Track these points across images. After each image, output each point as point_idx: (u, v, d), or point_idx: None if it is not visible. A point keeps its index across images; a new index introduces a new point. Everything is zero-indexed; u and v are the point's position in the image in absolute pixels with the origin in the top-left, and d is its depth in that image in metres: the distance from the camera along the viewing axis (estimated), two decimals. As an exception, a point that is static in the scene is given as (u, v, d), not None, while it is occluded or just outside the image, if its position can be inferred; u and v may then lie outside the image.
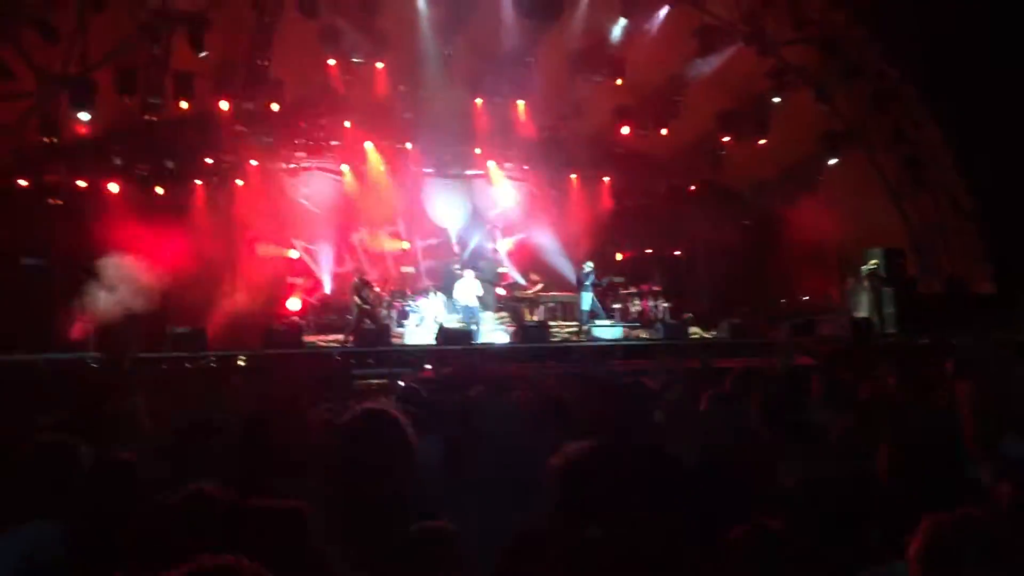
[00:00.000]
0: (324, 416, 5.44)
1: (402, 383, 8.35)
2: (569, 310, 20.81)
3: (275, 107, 18.35)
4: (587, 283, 18.87)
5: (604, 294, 19.85)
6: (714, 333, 19.00)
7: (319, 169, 21.02)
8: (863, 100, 19.31)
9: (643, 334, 19.13)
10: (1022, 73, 15.73)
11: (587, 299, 18.93)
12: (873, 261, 19.12)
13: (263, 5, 16.60)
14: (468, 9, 17.34)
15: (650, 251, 22.57)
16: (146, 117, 17.05)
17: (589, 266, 19.05)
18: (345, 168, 21.09)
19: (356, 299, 17.73)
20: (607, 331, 18.70)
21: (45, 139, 16.47)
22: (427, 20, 17.52)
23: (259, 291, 18.71)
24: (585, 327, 18.81)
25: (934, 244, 20.66)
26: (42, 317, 15.54)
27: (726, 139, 20.41)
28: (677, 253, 23.02)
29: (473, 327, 17.68)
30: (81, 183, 18.59)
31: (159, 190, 19.04)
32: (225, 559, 1.90)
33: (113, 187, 18.61)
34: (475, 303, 18.68)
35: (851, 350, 14.14)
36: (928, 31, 16.59)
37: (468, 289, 18.79)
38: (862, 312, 18.86)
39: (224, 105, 17.86)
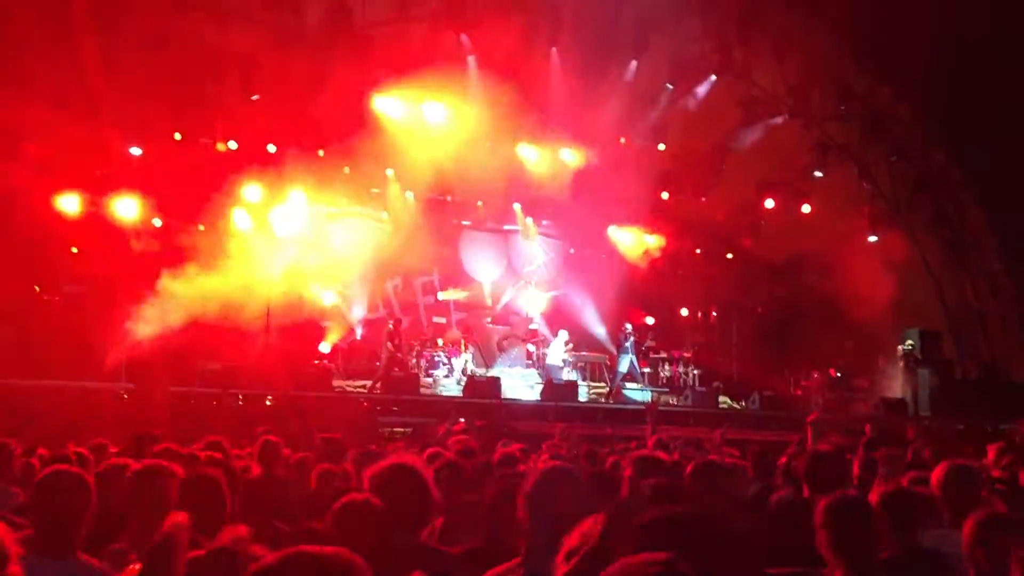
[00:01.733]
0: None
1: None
2: (597, 370, 20.68)
3: (320, 152, 18.62)
4: (627, 344, 18.61)
5: (642, 355, 19.66)
6: (743, 404, 18.78)
7: (358, 215, 21.18)
8: (906, 180, 19.27)
9: (672, 400, 18.92)
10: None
11: (625, 361, 18.62)
12: (909, 342, 18.90)
13: (315, 52, 16.95)
14: (517, 68, 17.58)
15: (684, 315, 22.43)
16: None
17: (628, 327, 18.86)
18: (384, 215, 21.25)
19: (387, 346, 17.75)
20: (637, 394, 18.53)
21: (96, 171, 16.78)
22: (475, 78, 17.77)
23: (291, 333, 18.76)
24: (614, 387, 18.56)
25: (972, 328, 20.39)
26: (79, 345, 15.67)
27: (766, 208, 20.37)
28: (710, 317, 22.84)
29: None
30: (126, 215, 18.87)
31: (200, 227, 19.25)
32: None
33: (156, 221, 18.85)
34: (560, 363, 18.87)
35: (886, 429, 13.87)
36: (976, 114, 16.56)
37: (558, 350, 19.01)
38: (896, 392, 18.59)
39: (272, 148, 18.13)
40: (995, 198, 18.47)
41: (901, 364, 18.82)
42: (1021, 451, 7.73)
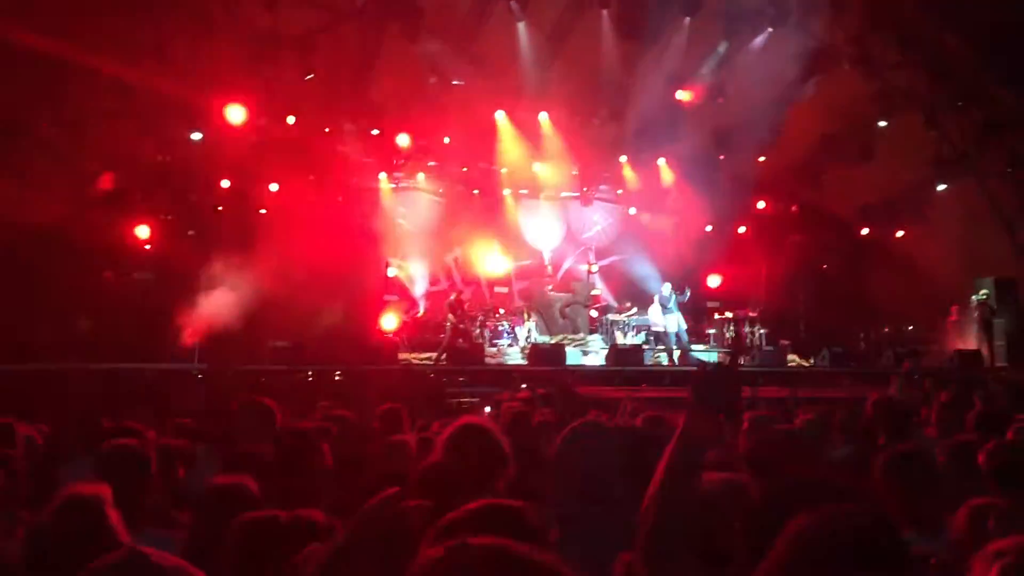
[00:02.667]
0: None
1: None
2: (660, 334, 20.55)
3: (375, 132, 18.81)
4: (670, 304, 18.16)
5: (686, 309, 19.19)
6: (812, 361, 18.52)
7: (417, 189, 21.33)
8: (975, 126, 18.64)
9: (740, 361, 18.69)
10: None
11: (672, 321, 18.16)
12: (983, 291, 18.40)
13: (367, 29, 17.00)
14: (566, 32, 17.42)
15: (748, 275, 22.12)
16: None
17: (667, 287, 18.34)
18: (442, 189, 21.36)
19: (450, 318, 17.90)
20: (704, 355, 18.38)
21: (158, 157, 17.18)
22: (526, 44, 17.65)
23: (356, 308, 19.03)
24: (678, 349, 18.29)
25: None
26: (153, 329, 16.13)
27: (830, 161, 19.92)
28: (776, 274, 22.48)
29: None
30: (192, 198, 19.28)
31: (262, 210, 19.58)
32: None
33: (223, 200, 19.25)
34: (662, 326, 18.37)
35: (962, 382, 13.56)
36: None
37: (677, 317, 18.35)
38: (970, 344, 18.14)
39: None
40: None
41: (975, 315, 18.35)
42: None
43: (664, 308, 18.13)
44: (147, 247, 18.16)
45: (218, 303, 16.27)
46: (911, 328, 19.72)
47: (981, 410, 6.35)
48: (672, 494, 2.01)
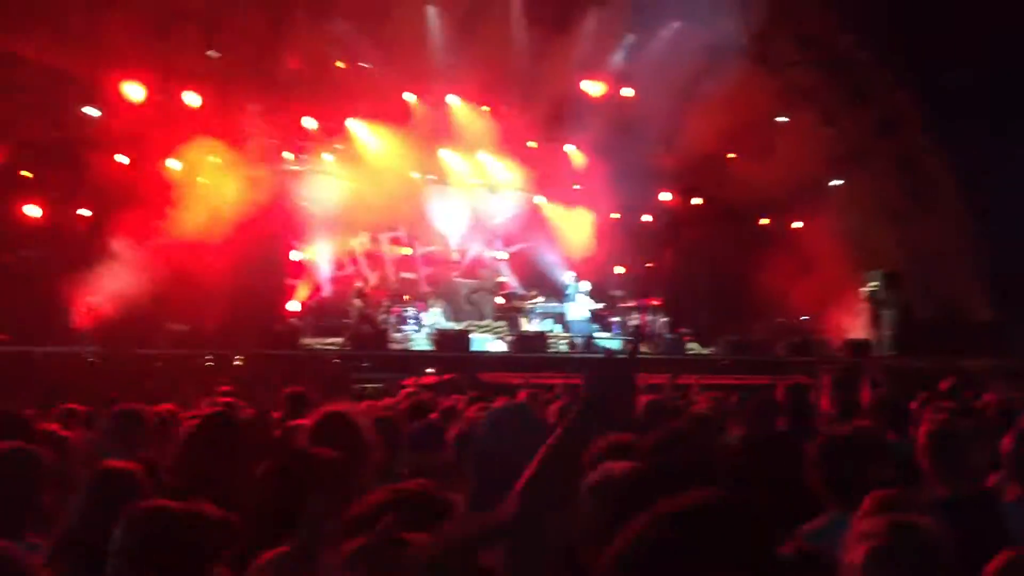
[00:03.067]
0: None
1: None
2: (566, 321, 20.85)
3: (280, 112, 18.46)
4: (569, 292, 19.19)
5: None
6: (712, 349, 19.03)
7: (323, 172, 21.00)
8: (869, 124, 19.41)
9: (642, 348, 19.11)
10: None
11: (574, 309, 19.00)
12: (873, 283, 19.18)
13: (273, 7, 16.69)
14: (476, 18, 17.44)
15: (650, 265, 22.54)
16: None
17: (571, 276, 19.31)
18: (348, 171, 21.08)
19: (356, 303, 17.74)
20: (608, 342, 18.69)
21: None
22: (436, 28, 17.59)
23: (258, 292, 18.68)
24: (580, 339, 18.69)
25: (933, 269, 20.71)
26: (42, 309, 15.53)
27: (731, 156, 20.45)
28: (678, 265, 22.99)
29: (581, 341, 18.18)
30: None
31: (162, 184, 18.99)
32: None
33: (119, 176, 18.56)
34: (585, 316, 18.91)
35: (851, 370, 14.13)
36: (937, 56, 16.68)
37: (581, 305, 19.01)
38: (859, 334, 18.91)
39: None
40: (955, 140, 18.67)
41: (865, 306, 19.14)
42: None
43: (566, 296, 18.60)
44: (38, 225, 17.45)
45: (113, 284, 15.77)
46: (806, 318, 20.41)
47: (880, 395, 6.65)
48: (540, 484, 1.80)
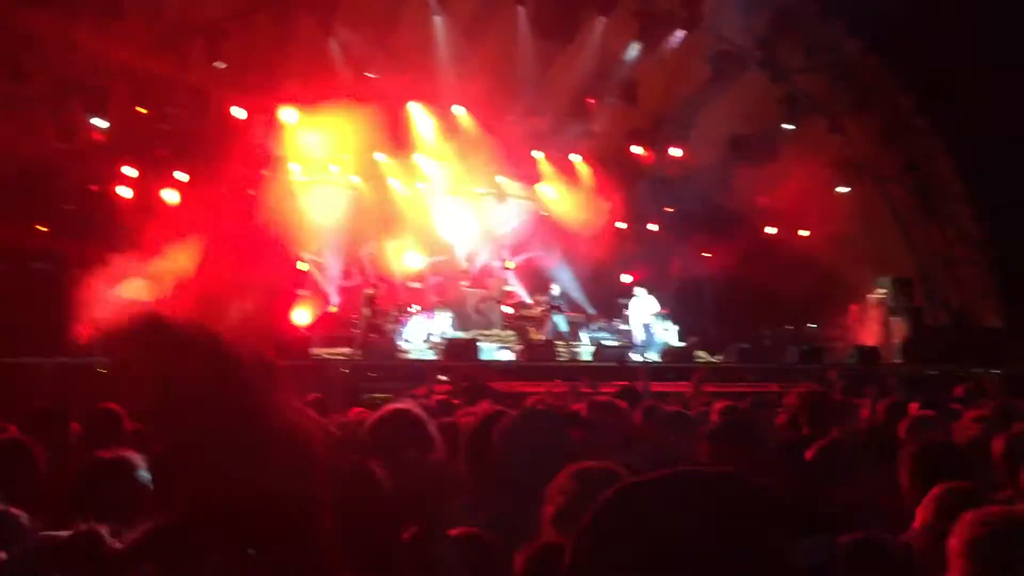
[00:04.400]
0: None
1: None
2: (575, 330, 20.80)
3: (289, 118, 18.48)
4: (559, 304, 19.46)
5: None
6: (720, 357, 18.96)
7: (329, 182, 21.02)
8: (874, 131, 19.39)
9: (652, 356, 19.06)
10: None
11: (562, 321, 19.27)
12: (882, 290, 19.12)
13: (280, 18, 16.72)
14: (483, 28, 17.47)
15: (657, 274, 22.47)
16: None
17: (556, 288, 19.65)
18: (356, 181, 21.12)
19: (365, 311, 17.73)
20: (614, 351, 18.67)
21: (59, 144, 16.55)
22: (443, 38, 17.62)
23: (265, 303, 18.67)
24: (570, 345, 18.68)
25: (942, 275, 20.66)
26: (51, 322, 15.52)
27: (737, 164, 20.43)
28: (686, 273, 22.93)
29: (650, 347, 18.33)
30: (93, 188, 18.63)
31: (170, 200, 19.04)
32: None
33: (125, 191, 18.61)
34: (649, 320, 19.06)
35: (860, 377, 14.07)
36: (943, 63, 16.65)
37: (642, 307, 19.09)
38: (869, 341, 18.84)
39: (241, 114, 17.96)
40: (963, 145, 18.64)
41: (874, 313, 19.08)
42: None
43: (555, 309, 19.05)
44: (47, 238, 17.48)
45: (121, 297, 15.77)
46: (814, 326, 20.36)
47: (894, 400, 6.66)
48: None
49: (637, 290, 19.51)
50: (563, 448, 2.95)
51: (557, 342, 18.82)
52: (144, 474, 2.87)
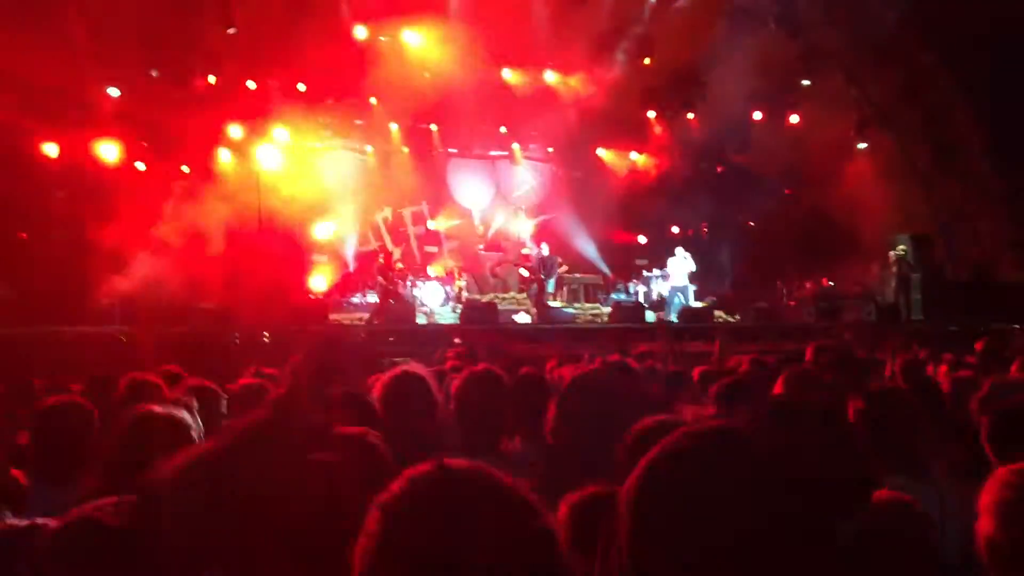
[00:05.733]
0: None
1: None
2: (592, 292, 20.78)
3: (302, 87, 18.38)
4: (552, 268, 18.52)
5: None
6: (738, 317, 18.92)
7: (344, 148, 20.97)
8: (893, 86, 19.12)
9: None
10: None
11: (551, 284, 18.64)
12: (901, 247, 18.96)
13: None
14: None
15: (676, 231, 22.38)
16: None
17: (546, 249, 18.72)
18: (369, 148, 21.05)
19: (380, 278, 17.76)
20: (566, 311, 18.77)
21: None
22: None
23: (283, 269, 18.71)
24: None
25: (962, 231, 20.47)
26: (73, 290, 15.63)
27: (755, 120, 20.23)
28: (702, 233, 22.82)
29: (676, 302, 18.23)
30: (108, 158, 18.62)
31: (184, 168, 19.02)
32: None
33: (140, 165, 18.62)
34: (685, 282, 18.87)
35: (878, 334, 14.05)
36: (963, 16, 16.36)
37: (680, 267, 18.91)
38: (889, 297, 18.73)
39: (251, 84, 17.85)
40: (982, 99, 18.36)
41: (893, 270, 18.92)
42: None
43: (549, 274, 18.44)
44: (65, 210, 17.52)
45: (142, 267, 15.86)
46: (832, 284, 20.25)
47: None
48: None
49: (678, 250, 19.17)
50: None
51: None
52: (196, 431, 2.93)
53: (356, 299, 19.42)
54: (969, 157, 19.78)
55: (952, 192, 20.34)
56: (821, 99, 18.88)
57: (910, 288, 18.60)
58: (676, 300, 18.63)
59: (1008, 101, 17.16)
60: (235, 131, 18.92)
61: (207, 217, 17.41)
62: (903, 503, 2.28)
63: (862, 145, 19.95)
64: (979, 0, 15.80)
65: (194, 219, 17.04)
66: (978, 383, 5.06)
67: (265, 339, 15.03)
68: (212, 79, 17.38)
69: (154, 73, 16.75)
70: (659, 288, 19.73)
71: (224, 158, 19.10)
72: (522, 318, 18.30)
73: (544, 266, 18.19)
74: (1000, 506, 2.05)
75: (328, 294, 19.37)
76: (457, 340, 13.25)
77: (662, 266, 19.85)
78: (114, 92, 16.39)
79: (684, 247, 19.52)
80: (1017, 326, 16.13)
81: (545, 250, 18.55)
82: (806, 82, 18.92)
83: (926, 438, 3.44)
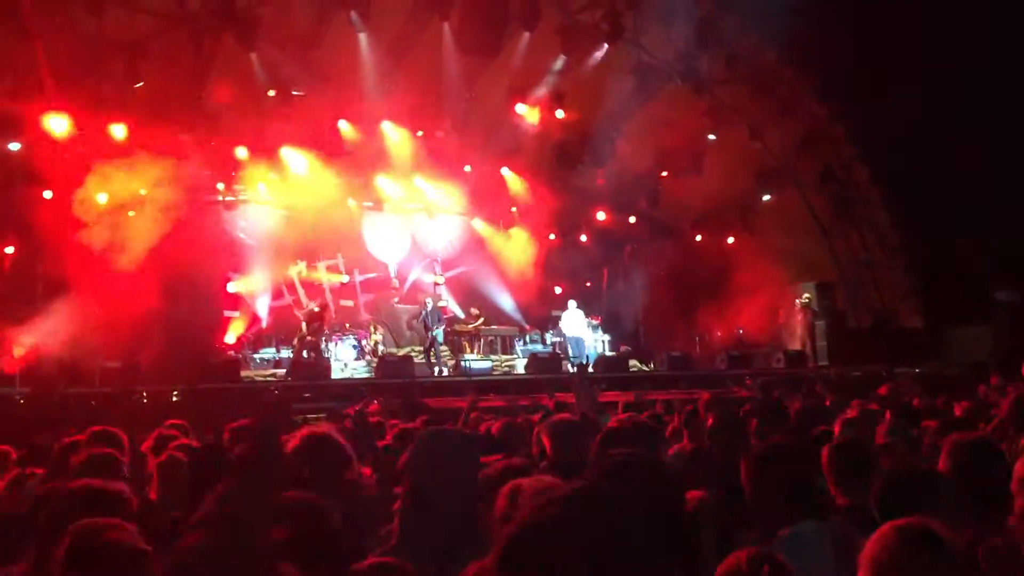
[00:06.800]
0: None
1: None
2: (508, 343, 20.83)
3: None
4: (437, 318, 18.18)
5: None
6: (652, 365, 19.19)
7: (257, 202, 20.68)
8: (793, 139, 19.89)
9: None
10: (948, 113, 16.36)
11: (440, 334, 18.27)
12: (806, 295, 19.58)
13: (201, 35, 16.41)
14: (408, 45, 17.43)
15: (588, 284, 22.68)
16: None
17: (430, 302, 18.54)
18: (283, 200, 20.80)
19: (302, 328, 17.56)
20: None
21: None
22: (367, 55, 17.52)
23: (194, 325, 18.27)
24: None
25: (863, 279, 21.27)
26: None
27: (663, 174, 20.77)
28: (615, 283, 23.15)
29: (581, 359, 18.28)
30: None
31: (88, 221, 18.49)
32: None
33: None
34: (583, 334, 19.13)
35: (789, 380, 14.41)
36: (856, 71, 17.16)
37: (575, 321, 19.12)
38: (795, 345, 19.27)
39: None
40: (877, 152, 19.23)
41: (799, 317, 19.51)
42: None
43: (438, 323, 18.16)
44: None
45: (43, 323, 15.30)
46: (741, 331, 20.73)
47: (802, 406, 6.85)
48: None
49: (570, 303, 19.59)
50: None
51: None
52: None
53: (268, 354, 19.07)
54: (868, 209, 20.65)
55: (852, 242, 21.15)
56: (726, 153, 19.48)
57: (815, 335, 19.19)
58: (573, 350, 18.92)
59: (903, 154, 18.02)
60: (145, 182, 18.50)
61: (115, 272, 16.92)
62: (766, 555, 2.34)
63: (766, 196, 20.62)
64: (872, 54, 16.56)
65: (100, 274, 16.56)
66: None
67: (175, 398, 14.62)
68: (123, 131, 17.05)
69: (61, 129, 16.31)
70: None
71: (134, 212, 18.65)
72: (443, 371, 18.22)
73: (428, 320, 17.89)
74: (875, 564, 2.10)
75: (236, 346, 18.99)
76: (376, 400, 13.08)
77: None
78: (13, 147, 15.91)
79: (596, 298, 19.85)
80: (918, 370, 16.77)
81: (429, 304, 18.39)
82: (712, 136, 19.52)
83: (824, 486, 3.56)
